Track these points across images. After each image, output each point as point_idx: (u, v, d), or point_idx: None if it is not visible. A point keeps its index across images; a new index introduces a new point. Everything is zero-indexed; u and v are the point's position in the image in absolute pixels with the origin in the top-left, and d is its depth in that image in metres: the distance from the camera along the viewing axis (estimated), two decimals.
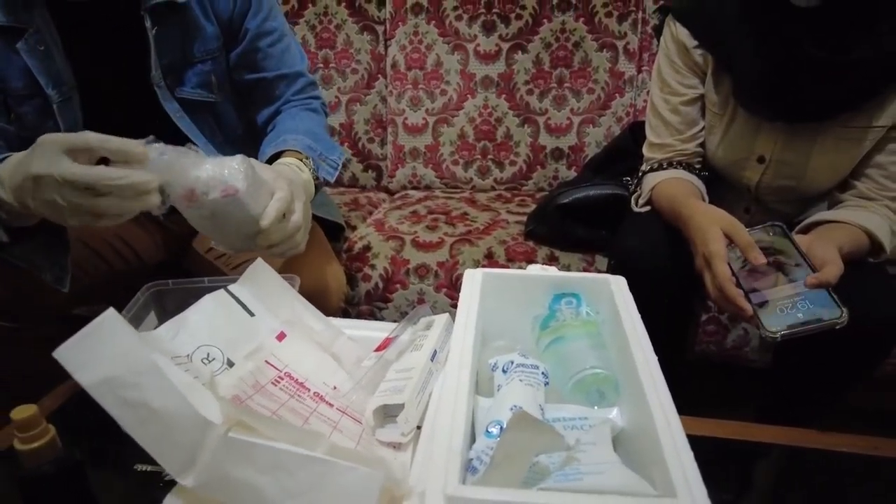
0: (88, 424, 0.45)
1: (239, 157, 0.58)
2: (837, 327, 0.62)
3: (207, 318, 0.50)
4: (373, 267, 1.13)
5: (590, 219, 1.10)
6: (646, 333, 0.50)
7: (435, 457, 0.34)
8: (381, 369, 0.52)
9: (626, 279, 0.59)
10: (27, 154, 0.57)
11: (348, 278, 1.11)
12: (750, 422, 0.69)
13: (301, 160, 0.82)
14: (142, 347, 0.35)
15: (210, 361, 0.49)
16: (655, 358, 0.46)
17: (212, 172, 0.55)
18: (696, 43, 0.82)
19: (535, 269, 0.61)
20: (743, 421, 0.65)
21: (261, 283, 0.54)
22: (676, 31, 0.84)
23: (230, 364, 0.49)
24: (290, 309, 0.54)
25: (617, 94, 1.36)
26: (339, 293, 0.95)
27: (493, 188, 1.46)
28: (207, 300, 0.51)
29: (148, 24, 0.80)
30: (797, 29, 0.71)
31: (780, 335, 0.63)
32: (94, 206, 0.54)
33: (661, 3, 1.30)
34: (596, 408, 0.49)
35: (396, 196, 1.46)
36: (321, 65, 1.47)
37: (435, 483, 0.33)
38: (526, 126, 1.40)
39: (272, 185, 0.64)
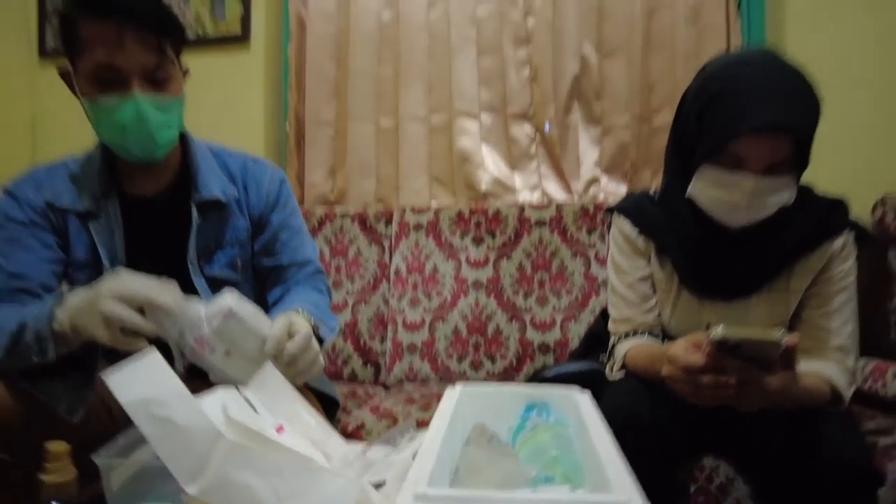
0: None
1: (225, 289, 0.73)
2: (776, 342, 0.70)
3: (216, 401, 0.57)
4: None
5: None
6: (613, 441, 0.53)
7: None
8: (367, 464, 0.57)
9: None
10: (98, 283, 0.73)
11: None
12: None
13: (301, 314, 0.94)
14: (175, 378, 0.43)
15: None
16: (623, 459, 0.49)
17: (206, 308, 0.69)
18: (637, 231, 1.01)
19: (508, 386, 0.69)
20: None
21: (267, 384, 0.62)
22: (621, 224, 1.04)
23: None
24: (291, 406, 0.61)
25: (593, 294, 1.53)
26: None
27: (485, 381, 1.54)
28: (219, 391, 0.59)
29: (195, 215, 1.00)
30: (721, 240, 0.90)
31: (721, 333, 0.69)
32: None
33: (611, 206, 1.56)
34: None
35: (393, 388, 1.53)
36: (334, 272, 1.69)
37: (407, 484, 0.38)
38: (513, 322, 1.55)
39: (272, 318, 0.76)
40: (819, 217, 0.93)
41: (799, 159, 0.86)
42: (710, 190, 0.88)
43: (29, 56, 2.10)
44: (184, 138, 1.05)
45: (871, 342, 1.53)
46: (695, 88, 0.91)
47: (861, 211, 1.56)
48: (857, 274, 1.54)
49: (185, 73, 1.00)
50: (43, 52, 2.11)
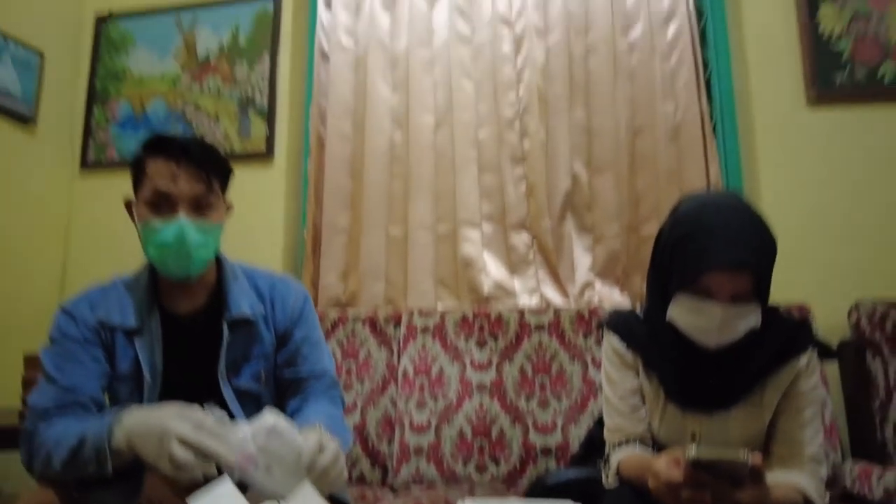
0: None
1: (266, 409, 0.84)
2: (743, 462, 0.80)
3: None
4: None
5: (574, 499, 1.23)
6: None
7: None
8: None
9: None
10: (159, 415, 0.84)
11: None
12: None
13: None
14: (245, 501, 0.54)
15: None
16: None
17: (250, 428, 0.79)
18: (625, 346, 1.13)
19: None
20: None
21: (307, 500, 0.71)
22: (611, 339, 1.15)
23: None
24: None
25: (591, 398, 1.62)
26: None
27: (489, 484, 1.59)
28: None
29: (225, 333, 1.12)
30: (700, 358, 1.02)
31: (694, 453, 0.79)
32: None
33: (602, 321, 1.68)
34: None
35: (400, 491, 1.58)
36: (345, 374, 1.78)
37: None
38: (516, 425, 1.62)
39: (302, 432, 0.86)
40: (786, 337, 1.05)
41: (761, 290, 0.98)
42: (685, 315, 1.00)
43: (71, 167, 2.30)
44: (219, 261, 1.19)
45: (858, 444, 1.60)
46: (669, 226, 1.06)
47: (838, 317, 1.69)
48: (841, 379, 1.65)
49: (229, 207, 1.17)
50: (84, 164, 2.31)
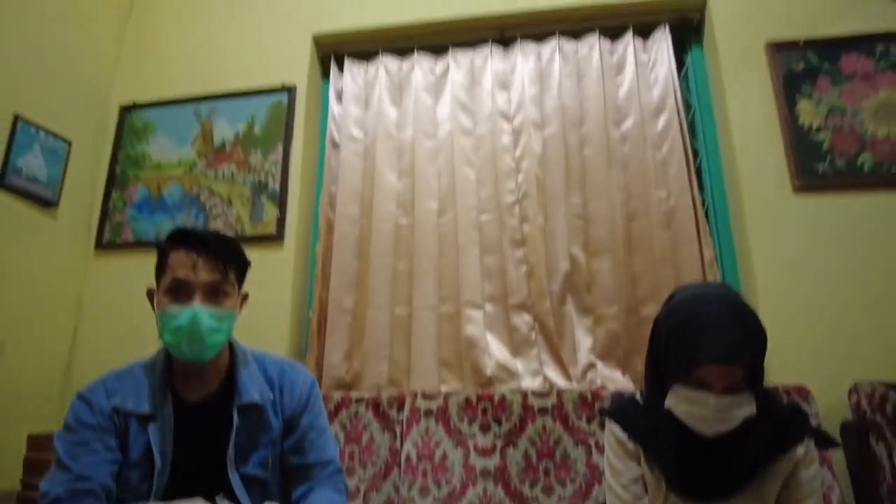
0: None
1: None
2: None
3: None
4: None
5: None
6: None
7: None
8: None
9: None
10: None
11: None
12: None
13: None
14: None
15: None
16: None
17: None
18: (627, 436, 1.15)
19: None
20: None
21: None
22: (613, 428, 1.18)
23: None
24: None
25: (595, 483, 1.61)
26: None
27: None
28: None
29: (235, 419, 1.15)
30: (698, 447, 1.05)
31: None
32: None
33: (604, 407, 1.69)
34: None
35: None
36: (347, 458, 1.77)
37: None
38: None
39: None
40: (782, 426, 1.07)
41: (754, 380, 1.02)
42: (681, 405, 1.03)
43: (86, 247, 2.38)
44: (231, 347, 1.23)
45: None
46: (663, 317, 1.11)
47: (837, 397, 1.71)
48: (846, 462, 1.65)
49: (244, 298, 1.23)
50: (99, 244, 2.39)
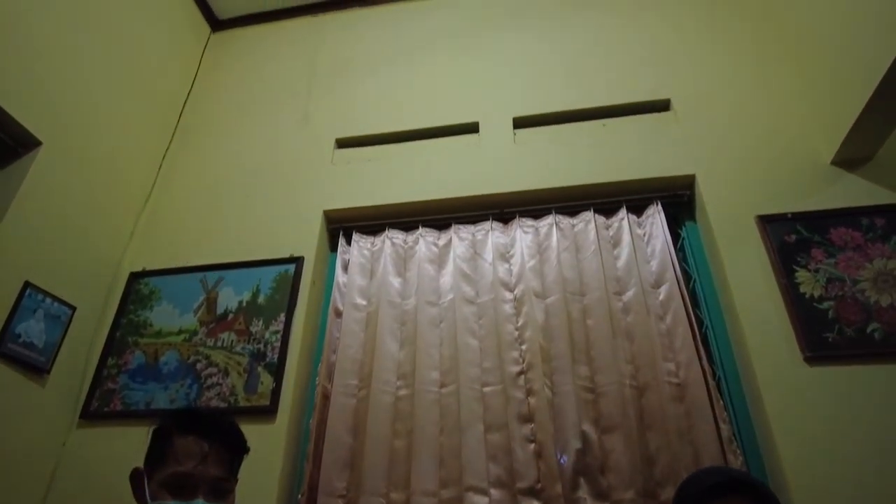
0: None
1: None
2: None
3: None
4: None
5: None
6: None
7: None
8: None
9: None
10: None
11: None
12: None
13: None
14: None
15: None
16: None
17: None
18: None
19: None
20: None
21: None
22: None
23: None
24: None
25: None
26: None
27: None
28: None
29: None
30: None
31: None
32: None
33: None
34: None
35: None
36: None
37: None
38: None
39: None
40: None
41: None
42: None
43: (70, 417, 2.27)
44: None
45: None
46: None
47: None
48: None
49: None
50: (85, 413, 2.28)
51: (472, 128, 2.71)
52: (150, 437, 1.08)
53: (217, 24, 3.50)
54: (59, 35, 2.37)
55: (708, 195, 2.27)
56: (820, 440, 1.76)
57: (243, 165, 2.83)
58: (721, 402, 1.95)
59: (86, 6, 2.55)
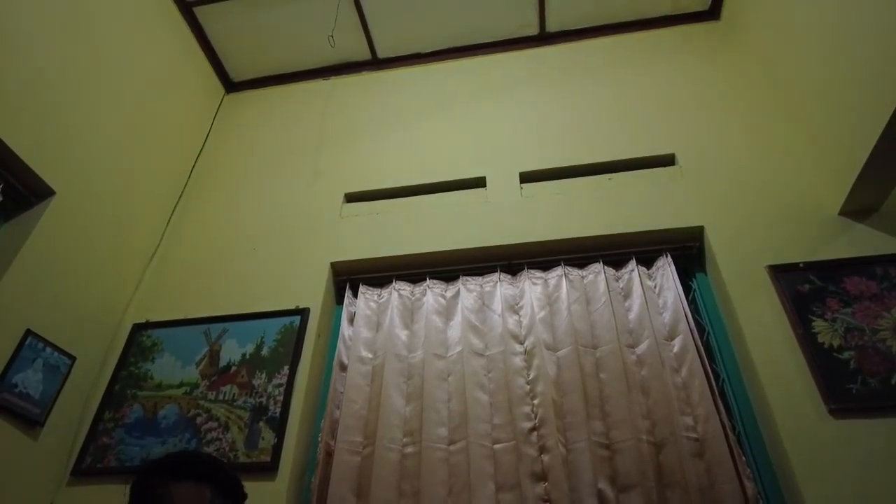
0: None
1: None
2: None
3: None
4: None
5: None
6: None
7: None
8: None
9: None
10: None
11: None
12: None
13: None
14: None
15: None
16: None
17: None
18: None
19: None
20: None
21: None
22: None
23: None
24: None
25: None
26: None
27: None
28: None
29: None
30: None
31: None
32: None
33: None
34: None
35: None
36: None
37: None
38: None
39: None
40: None
41: None
42: None
43: (60, 474, 2.16)
44: None
45: None
46: None
47: None
48: None
49: None
50: (76, 470, 2.17)
51: (479, 182, 2.74)
52: (129, 492, 1.01)
53: (231, 85, 3.63)
54: (79, 89, 2.45)
55: (717, 246, 2.26)
56: (850, 499, 1.66)
57: (253, 219, 2.85)
58: (743, 458, 1.86)
59: (108, 64, 2.64)
